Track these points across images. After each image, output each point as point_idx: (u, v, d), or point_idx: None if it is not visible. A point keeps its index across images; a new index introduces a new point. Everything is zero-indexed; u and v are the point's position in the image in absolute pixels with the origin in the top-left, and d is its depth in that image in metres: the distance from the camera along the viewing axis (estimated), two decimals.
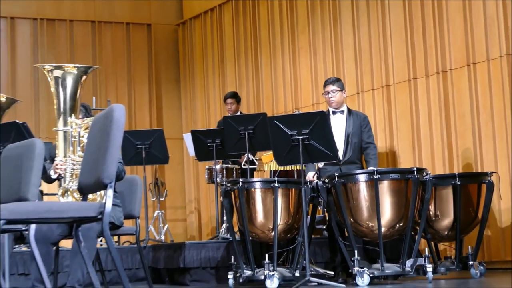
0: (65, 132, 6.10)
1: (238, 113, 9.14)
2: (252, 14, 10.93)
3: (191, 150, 8.84)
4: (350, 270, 6.32)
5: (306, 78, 10.02)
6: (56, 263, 6.15)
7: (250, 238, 6.59)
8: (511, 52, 7.53)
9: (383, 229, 6.23)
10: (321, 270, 6.73)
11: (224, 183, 7.09)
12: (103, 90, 11.49)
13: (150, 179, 10.32)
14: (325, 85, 7.31)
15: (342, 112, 7.23)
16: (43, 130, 10.89)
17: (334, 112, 7.22)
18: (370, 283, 6.06)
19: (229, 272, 6.75)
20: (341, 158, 7.01)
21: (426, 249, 6.62)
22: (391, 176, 6.34)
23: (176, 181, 11.70)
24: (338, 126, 7.10)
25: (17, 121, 5.94)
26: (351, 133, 7.19)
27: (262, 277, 6.29)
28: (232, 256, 6.87)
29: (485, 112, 7.91)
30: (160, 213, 9.77)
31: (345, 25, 9.51)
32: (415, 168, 6.35)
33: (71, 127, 6.09)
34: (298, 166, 6.74)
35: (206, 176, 8.74)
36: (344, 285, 6.16)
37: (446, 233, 6.69)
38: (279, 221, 6.45)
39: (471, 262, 6.47)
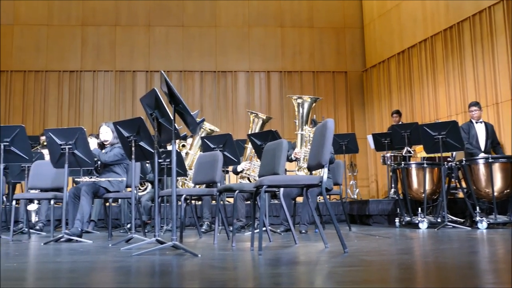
0: (301, 134, 6.21)
1: (400, 123, 8.84)
2: (408, 67, 10.54)
3: (372, 145, 8.67)
4: (473, 219, 5.92)
5: (443, 98, 9.51)
6: (294, 210, 6.27)
7: (409, 197, 6.36)
8: None
9: (495, 194, 5.80)
10: (454, 218, 6.37)
11: (392, 164, 6.88)
12: (320, 110, 11.54)
13: (348, 162, 10.24)
14: (470, 106, 7.07)
15: (481, 122, 6.94)
16: (286, 134, 11.12)
17: (476, 122, 6.92)
18: (487, 228, 5.65)
19: (396, 218, 6.56)
20: (482, 149, 6.84)
21: None
22: (500, 160, 5.88)
23: (363, 163, 11.51)
24: (481, 131, 6.90)
25: (272, 129, 6.09)
26: (488, 135, 6.90)
27: (417, 221, 6.05)
28: (398, 208, 6.66)
29: None
30: (353, 182, 9.68)
31: (467, 49, 8.92)
32: None
33: (305, 132, 6.19)
34: (439, 154, 6.44)
35: (381, 160, 8.53)
36: (470, 228, 5.78)
37: None
38: (427, 188, 6.17)
39: None
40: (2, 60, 11.30)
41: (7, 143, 5.06)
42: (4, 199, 7.16)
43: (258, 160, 6.24)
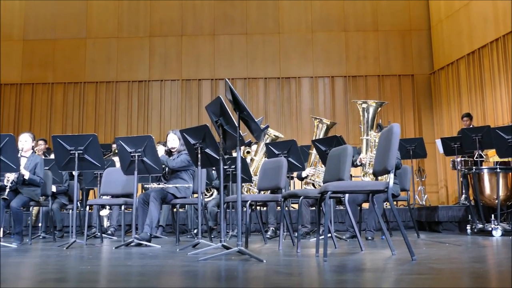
0: (367, 139, 6.14)
1: (471, 126, 8.54)
2: (479, 69, 10.16)
3: (440, 149, 8.42)
4: None
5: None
6: (360, 216, 6.18)
7: (481, 204, 6.12)
8: None
9: None
10: None
11: (463, 169, 6.64)
12: (386, 115, 11.33)
13: (416, 167, 9.99)
14: None
15: None
16: (351, 139, 10.99)
17: None
18: None
19: (467, 225, 6.32)
20: None
21: None
22: None
23: (431, 168, 11.18)
24: None
25: (337, 135, 6.04)
26: None
27: (490, 229, 5.80)
28: (469, 215, 6.42)
29: None
30: (421, 188, 9.43)
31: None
32: None
33: (370, 137, 6.10)
34: None
35: (451, 165, 8.27)
36: None
37: None
38: (500, 193, 5.91)
39: None
40: (77, 72, 11.86)
41: (81, 151, 5.31)
42: (78, 204, 7.50)
43: (323, 166, 6.20)
